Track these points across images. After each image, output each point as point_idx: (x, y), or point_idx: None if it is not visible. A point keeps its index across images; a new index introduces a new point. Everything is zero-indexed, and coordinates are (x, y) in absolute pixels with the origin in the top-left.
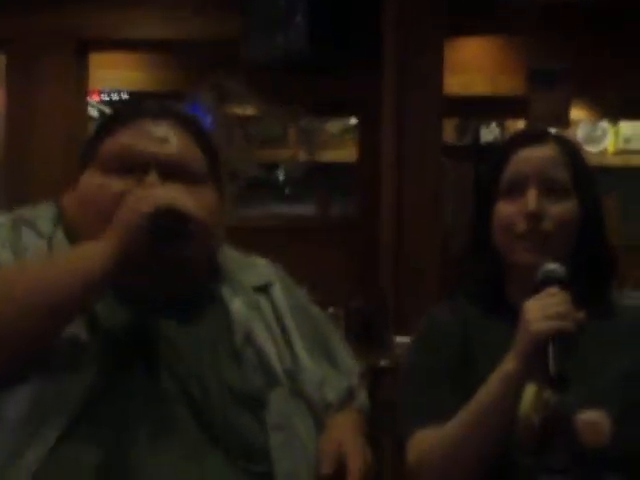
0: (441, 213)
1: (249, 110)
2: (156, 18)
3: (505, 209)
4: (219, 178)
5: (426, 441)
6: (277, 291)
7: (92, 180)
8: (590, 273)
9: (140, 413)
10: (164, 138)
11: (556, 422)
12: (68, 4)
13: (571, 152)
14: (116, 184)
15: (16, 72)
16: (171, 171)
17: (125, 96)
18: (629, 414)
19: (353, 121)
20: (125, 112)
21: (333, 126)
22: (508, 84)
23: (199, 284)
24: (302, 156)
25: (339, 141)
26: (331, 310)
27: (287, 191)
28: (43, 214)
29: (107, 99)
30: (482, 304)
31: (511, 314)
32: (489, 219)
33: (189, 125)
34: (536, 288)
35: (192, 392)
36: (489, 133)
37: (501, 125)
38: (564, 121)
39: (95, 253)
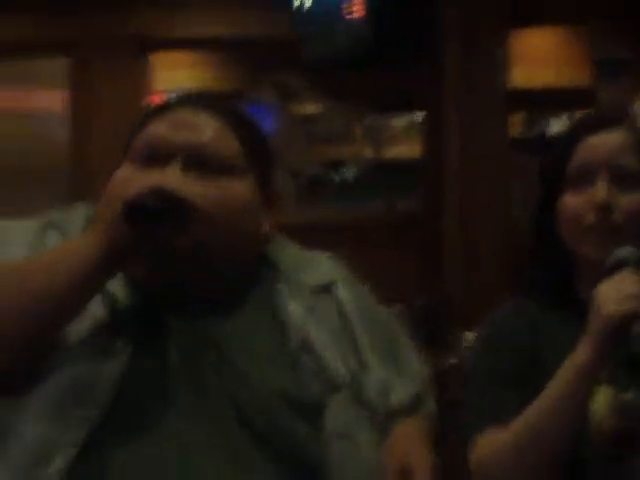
0: (508, 208)
1: (312, 108)
2: (215, 16)
3: (572, 200)
4: (262, 172)
5: (491, 442)
6: (341, 290)
7: (121, 174)
8: None
9: (182, 415)
10: (196, 126)
11: (636, 430)
12: (127, 5)
13: None
14: (142, 175)
15: (79, 74)
16: (199, 160)
17: None
18: None
19: (419, 116)
20: (166, 103)
21: (398, 122)
22: (574, 75)
23: (239, 281)
24: (367, 153)
25: (405, 137)
26: (397, 308)
27: (353, 188)
28: (74, 218)
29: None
30: (549, 301)
31: (580, 310)
32: (554, 211)
33: (230, 116)
34: (607, 274)
35: (238, 393)
36: (559, 125)
37: (571, 117)
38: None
39: (80, 247)
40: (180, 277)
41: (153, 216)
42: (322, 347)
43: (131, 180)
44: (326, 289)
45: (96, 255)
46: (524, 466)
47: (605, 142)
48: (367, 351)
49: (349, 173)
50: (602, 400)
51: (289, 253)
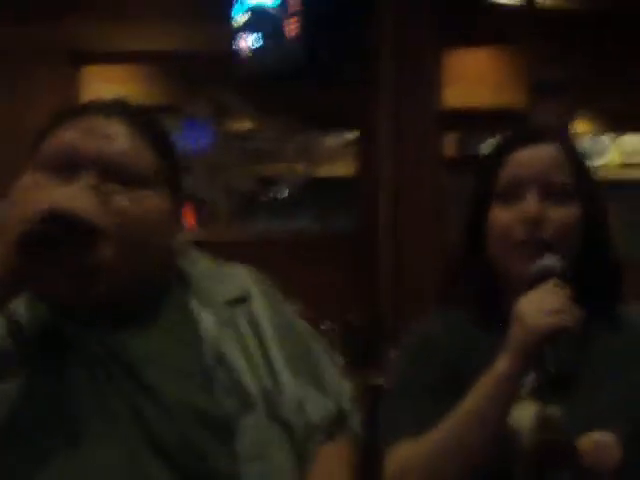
0: (442, 228)
1: (246, 124)
2: (150, 30)
3: (501, 215)
4: (174, 184)
5: (408, 451)
6: (256, 303)
7: (26, 181)
8: (595, 284)
9: (82, 433)
10: (110, 136)
11: (559, 443)
12: (59, 16)
13: (572, 153)
14: (43, 191)
15: (4, 84)
16: (114, 171)
17: None
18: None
19: (353, 135)
20: (73, 109)
21: (331, 140)
22: (509, 95)
23: (152, 295)
24: (300, 170)
25: (338, 155)
26: (327, 325)
27: (286, 206)
28: None
29: None
30: (475, 316)
31: (506, 326)
32: (482, 227)
33: (144, 126)
34: (531, 284)
35: (145, 410)
36: (492, 146)
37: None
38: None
39: None
40: (92, 294)
41: (52, 242)
42: (235, 362)
43: (34, 193)
44: (240, 302)
45: None
46: (444, 472)
47: (534, 156)
48: (281, 367)
49: (282, 190)
50: (527, 415)
51: (202, 266)
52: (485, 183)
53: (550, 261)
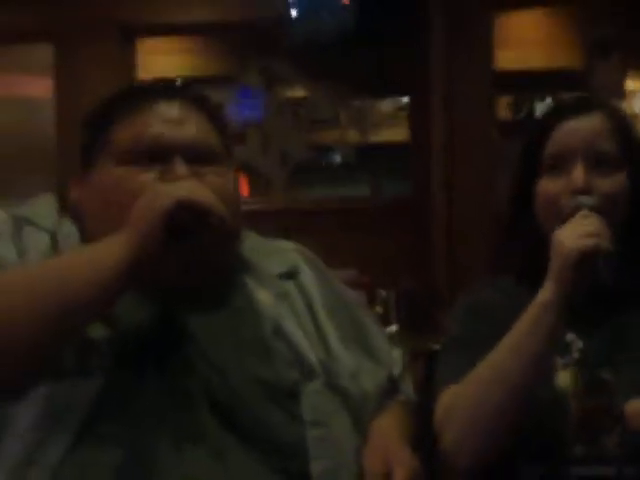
0: (495, 191)
1: (298, 92)
2: (200, 3)
3: (549, 186)
4: (232, 156)
5: (453, 391)
6: (306, 277)
7: (110, 172)
8: None
9: (159, 412)
10: (180, 120)
11: (608, 407)
12: None
13: (619, 122)
14: (139, 175)
15: (63, 61)
16: (194, 154)
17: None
18: None
19: (405, 100)
20: (134, 95)
21: (385, 105)
22: (561, 57)
23: (223, 275)
24: (354, 137)
25: (392, 120)
26: (383, 293)
27: (340, 172)
28: (42, 211)
29: None
30: (524, 282)
31: None
32: (530, 197)
33: (201, 104)
34: (565, 219)
35: (215, 391)
36: (545, 108)
37: (556, 99)
38: (621, 92)
39: (110, 252)
40: (192, 277)
41: (189, 230)
42: (293, 334)
43: (150, 186)
44: (290, 276)
45: (126, 262)
46: (487, 403)
47: (580, 127)
48: (334, 339)
49: (336, 157)
50: (577, 380)
51: (251, 242)
52: (532, 154)
53: (584, 197)
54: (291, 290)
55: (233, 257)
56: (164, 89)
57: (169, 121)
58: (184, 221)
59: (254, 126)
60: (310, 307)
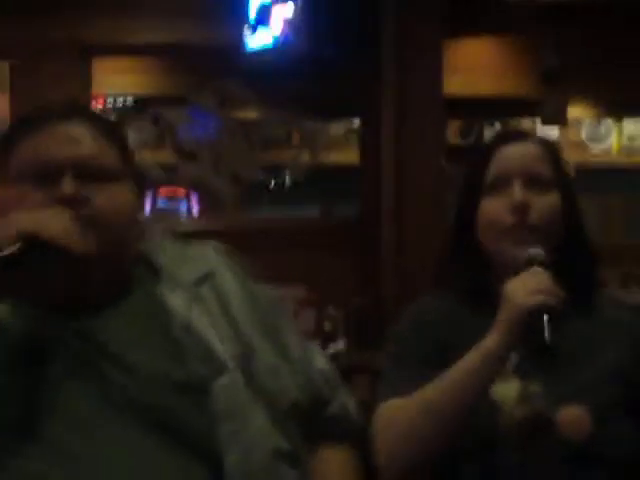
0: (442, 215)
1: (251, 114)
2: (158, 23)
3: (490, 204)
4: (134, 174)
5: (394, 406)
6: (222, 278)
7: (7, 193)
8: (576, 268)
9: (73, 415)
10: (73, 139)
11: (539, 416)
12: (70, 10)
13: (551, 150)
14: (34, 195)
15: (20, 78)
16: (87, 172)
17: (129, 100)
18: (611, 412)
19: (356, 123)
20: (33, 117)
21: (336, 128)
22: (510, 84)
23: (123, 286)
24: (305, 158)
25: (343, 143)
26: (331, 310)
27: (291, 193)
28: None
29: (111, 104)
30: (465, 299)
31: (494, 308)
32: (472, 217)
33: (99, 122)
34: (517, 271)
35: (125, 387)
36: (493, 133)
37: (505, 125)
38: (565, 119)
39: None
40: (80, 294)
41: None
42: (203, 331)
43: (13, 211)
44: (206, 279)
45: None
46: (421, 429)
47: (518, 152)
48: (252, 335)
49: (287, 178)
50: (511, 390)
51: (167, 250)
52: (473, 178)
53: (535, 251)
54: (205, 293)
55: (124, 269)
56: (61, 110)
57: (62, 140)
58: (24, 249)
59: (206, 145)
60: (226, 307)
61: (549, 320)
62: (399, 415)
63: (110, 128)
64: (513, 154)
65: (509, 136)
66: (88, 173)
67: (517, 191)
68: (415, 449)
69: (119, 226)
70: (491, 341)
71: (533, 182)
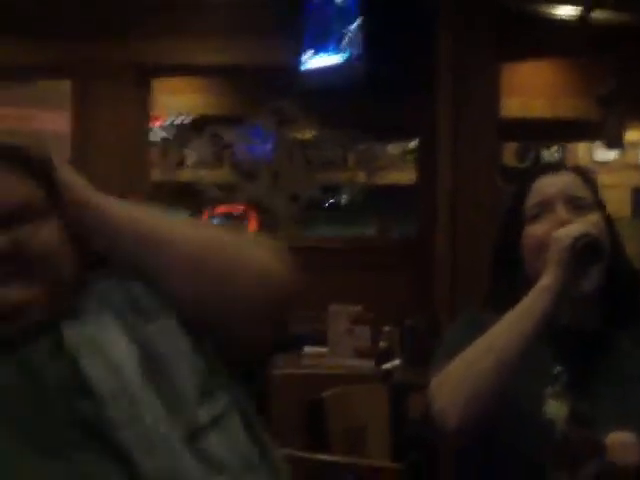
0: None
1: (308, 134)
2: (217, 44)
3: (535, 230)
4: (60, 206)
5: (446, 369)
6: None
7: None
8: (622, 288)
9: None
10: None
11: (588, 437)
12: (132, 32)
13: (586, 177)
14: None
15: (80, 97)
16: (8, 215)
17: (188, 120)
18: None
19: (413, 144)
20: None
21: (394, 148)
22: (567, 106)
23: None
24: (361, 178)
25: (400, 163)
26: (387, 329)
27: (346, 213)
28: None
29: (169, 124)
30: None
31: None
32: (515, 248)
33: (19, 161)
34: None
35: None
36: (550, 156)
37: (562, 147)
38: (622, 143)
39: None
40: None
41: None
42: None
43: None
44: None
45: None
46: (475, 370)
47: (556, 179)
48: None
49: (344, 198)
50: (561, 411)
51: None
52: (515, 208)
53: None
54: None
55: (66, 301)
56: None
57: None
58: None
59: (264, 165)
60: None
61: (593, 250)
62: (453, 367)
63: (35, 165)
64: (553, 182)
65: (544, 168)
66: (11, 216)
67: (561, 211)
68: (469, 391)
69: (53, 258)
70: (546, 277)
71: (574, 205)
